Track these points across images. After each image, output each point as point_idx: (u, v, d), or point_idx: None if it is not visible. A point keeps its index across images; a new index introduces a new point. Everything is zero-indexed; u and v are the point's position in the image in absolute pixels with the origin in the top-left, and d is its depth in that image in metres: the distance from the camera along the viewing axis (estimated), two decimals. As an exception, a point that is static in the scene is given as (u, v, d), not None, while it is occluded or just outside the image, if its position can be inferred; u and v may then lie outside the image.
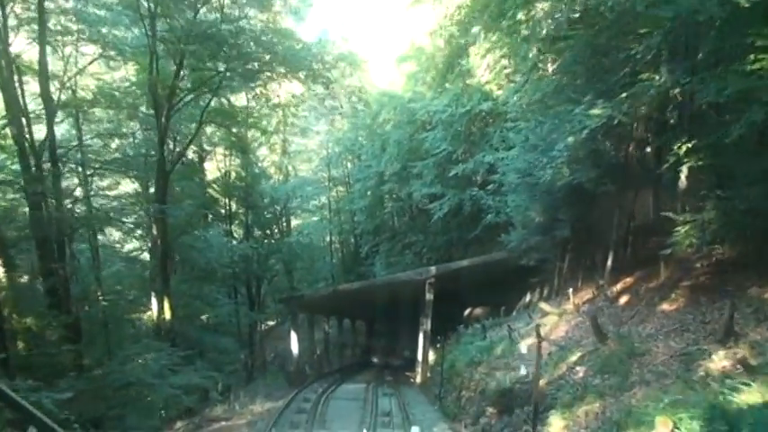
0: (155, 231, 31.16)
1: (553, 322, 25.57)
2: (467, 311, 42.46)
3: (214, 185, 53.07)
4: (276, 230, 59.36)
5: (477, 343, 29.45)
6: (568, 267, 30.06)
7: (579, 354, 18.69)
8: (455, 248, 48.79)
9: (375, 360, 44.80)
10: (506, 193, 35.43)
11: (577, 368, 17.81)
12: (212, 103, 34.53)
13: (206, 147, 52.05)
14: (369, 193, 59.28)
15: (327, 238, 71.05)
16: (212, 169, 54.79)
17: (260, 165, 55.60)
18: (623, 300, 24.04)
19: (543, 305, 28.94)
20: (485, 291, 39.76)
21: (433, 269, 36.82)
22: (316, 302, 40.33)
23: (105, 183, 38.12)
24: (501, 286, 39.37)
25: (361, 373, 43.85)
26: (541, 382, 18.65)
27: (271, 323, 72.30)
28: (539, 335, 24.31)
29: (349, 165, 69.86)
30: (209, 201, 50.63)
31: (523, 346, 24.01)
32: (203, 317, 40.66)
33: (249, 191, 51.52)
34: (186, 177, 42.88)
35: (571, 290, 26.66)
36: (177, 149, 37.78)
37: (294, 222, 68.38)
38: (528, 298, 39.13)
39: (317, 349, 50.61)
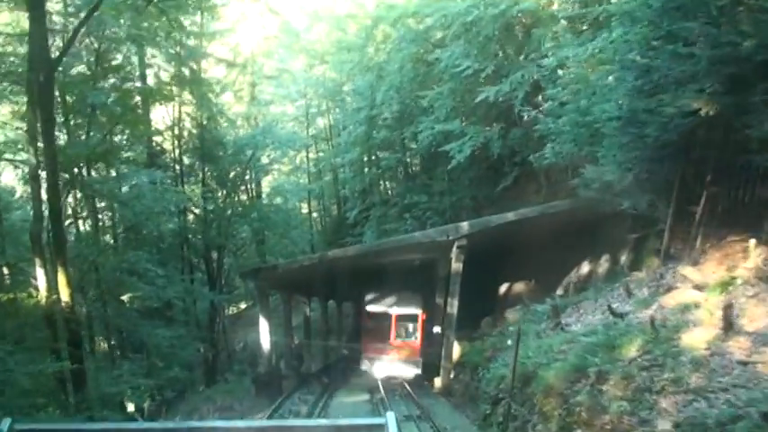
0: (33, 159, 19.09)
1: (714, 301, 14.25)
2: (503, 288, 31.24)
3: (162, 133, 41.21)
4: (243, 190, 47.55)
5: (562, 335, 18.24)
6: (706, 208, 18.48)
7: None
8: (465, 212, 37.77)
9: (374, 361, 30.49)
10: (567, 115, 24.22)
11: None
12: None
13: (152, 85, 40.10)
14: (357, 146, 47.62)
15: (306, 204, 59.07)
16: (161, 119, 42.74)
17: (219, 106, 43.26)
18: None
19: (685, 270, 17.49)
20: (530, 258, 28.50)
21: (464, 226, 25.63)
22: (294, 277, 28.96)
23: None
24: (555, 250, 28.22)
25: (356, 374, 32.41)
26: None
27: (243, 305, 61.50)
28: (728, 321, 13.18)
29: (331, 118, 58.12)
30: (156, 153, 38.95)
31: (700, 343, 12.69)
32: (134, 297, 28.35)
33: (206, 136, 39.76)
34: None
35: (753, 242, 15.23)
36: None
37: (267, 189, 56.57)
38: (587, 268, 28.15)
39: (294, 339, 39.16)
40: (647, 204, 20.46)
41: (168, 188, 30.47)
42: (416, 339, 30.43)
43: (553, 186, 33.11)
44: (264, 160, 47.49)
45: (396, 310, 30.09)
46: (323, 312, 43.86)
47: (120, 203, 25.48)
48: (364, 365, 30.18)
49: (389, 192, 50.39)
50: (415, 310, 30.65)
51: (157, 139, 39.72)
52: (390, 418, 6.23)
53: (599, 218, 26.15)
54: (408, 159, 47.72)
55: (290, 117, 59.99)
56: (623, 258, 25.61)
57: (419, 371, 29.48)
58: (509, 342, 16.91)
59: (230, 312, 60.81)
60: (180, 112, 40.30)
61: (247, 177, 46.90)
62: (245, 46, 50.87)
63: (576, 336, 17.32)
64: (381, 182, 51.35)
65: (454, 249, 25.37)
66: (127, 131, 30.76)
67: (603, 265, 27.17)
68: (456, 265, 25.64)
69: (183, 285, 36.22)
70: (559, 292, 29.57)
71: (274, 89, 58.14)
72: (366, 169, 49.56)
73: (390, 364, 29.59)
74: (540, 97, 31.25)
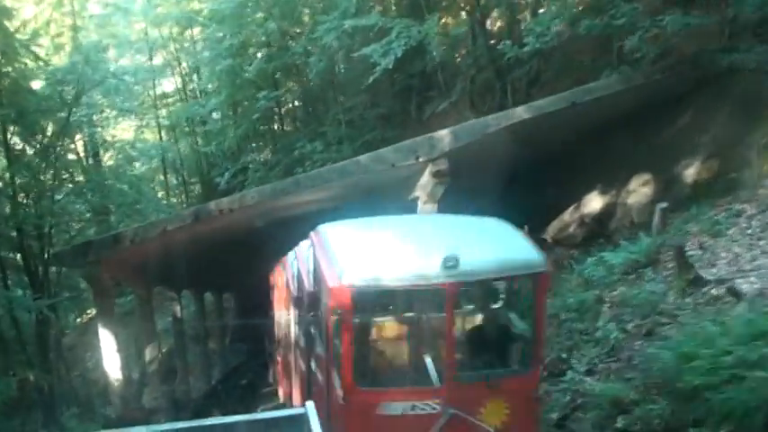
0: None
1: None
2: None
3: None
4: (73, 152, 35.36)
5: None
6: None
7: None
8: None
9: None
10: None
11: None
12: None
13: None
14: (223, 89, 36.78)
15: (162, 173, 46.57)
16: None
17: (24, 43, 30.73)
18: None
19: None
20: (527, 189, 18.44)
21: (444, 136, 15.22)
22: (152, 256, 17.78)
23: None
24: (558, 178, 18.49)
25: (262, 396, 21.57)
26: None
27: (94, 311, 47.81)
28: None
29: (185, 63, 45.77)
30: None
31: None
32: None
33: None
34: None
35: None
36: None
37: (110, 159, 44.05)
38: (599, 201, 18.60)
39: (160, 351, 27.84)
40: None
41: None
42: (533, 370, 8.77)
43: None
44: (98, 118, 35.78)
45: (454, 269, 8.00)
46: (198, 310, 32.64)
47: None
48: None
49: (272, 145, 39.57)
50: (525, 258, 8.51)
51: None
52: (310, 407, 6.29)
53: (649, 108, 16.63)
54: (294, 99, 37.20)
55: (130, 70, 47.12)
56: (689, 172, 16.09)
57: None
58: None
59: (78, 322, 48.06)
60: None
61: (78, 136, 35.03)
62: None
63: None
64: (259, 134, 40.33)
65: (425, 178, 14.97)
66: None
67: (639, 191, 17.63)
68: (428, 207, 15.19)
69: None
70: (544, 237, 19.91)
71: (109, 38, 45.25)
72: (237, 120, 38.27)
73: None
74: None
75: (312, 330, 10.47)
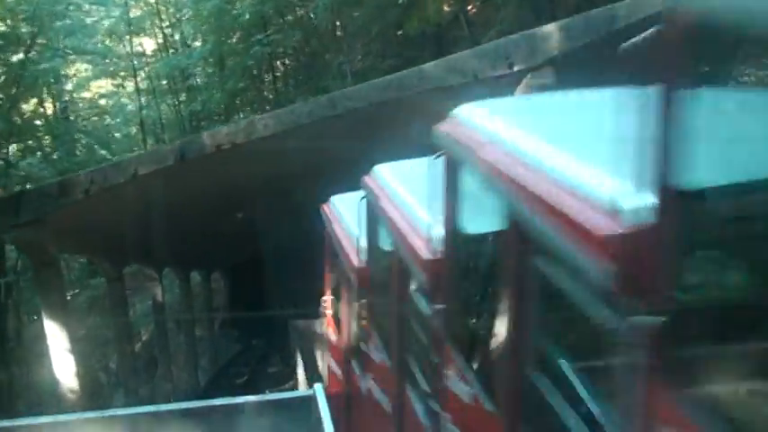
0: None
1: None
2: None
3: None
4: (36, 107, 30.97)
5: None
6: None
7: None
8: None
9: None
10: None
11: None
12: None
13: None
14: (209, 37, 32.67)
15: (140, 142, 41.69)
16: None
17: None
18: None
19: None
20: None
21: (552, 32, 10.37)
22: (115, 215, 12.98)
23: None
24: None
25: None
26: None
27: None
28: None
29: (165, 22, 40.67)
30: None
31: None
32: None
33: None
34: None
35: None
36: None
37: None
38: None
39: (135, 342, 23.42)
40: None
41: None
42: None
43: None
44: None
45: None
46: (182, 292, 28.17)
47: None
48: None
49: (261, 110, 35.39)
50: None
51: None
52: (318, 389, 6.44)
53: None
54: (290, 53, 33.48)
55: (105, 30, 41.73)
56: None
57: None
58: None
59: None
60: None
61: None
62: None
63: None
64: (249, 100, 36.28)
65: (521, 96, 10.23)
66: None
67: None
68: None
69: None
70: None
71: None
72: (225, 74, 33.67)
73: None
74: None
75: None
